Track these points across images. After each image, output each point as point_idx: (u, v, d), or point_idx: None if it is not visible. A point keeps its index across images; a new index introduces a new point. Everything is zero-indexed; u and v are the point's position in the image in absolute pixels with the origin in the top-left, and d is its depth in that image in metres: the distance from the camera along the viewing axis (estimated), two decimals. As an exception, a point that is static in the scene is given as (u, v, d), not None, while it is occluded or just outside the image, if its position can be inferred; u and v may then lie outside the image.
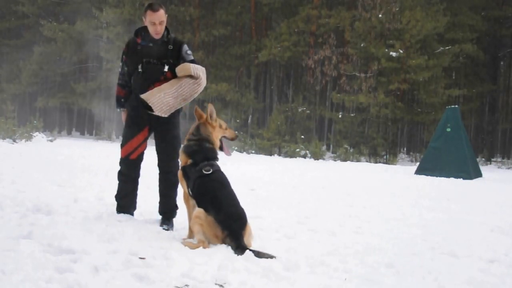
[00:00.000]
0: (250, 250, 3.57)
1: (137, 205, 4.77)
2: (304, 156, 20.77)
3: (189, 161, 4.06)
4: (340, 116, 23.93)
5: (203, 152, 4.09)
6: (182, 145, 4.21)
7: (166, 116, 4.36)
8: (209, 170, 3.99)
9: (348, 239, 4.68)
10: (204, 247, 3.62)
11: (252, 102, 26.64)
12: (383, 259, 3.95)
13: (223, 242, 3.70)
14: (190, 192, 4.04)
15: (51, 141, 19.33)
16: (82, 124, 38.39)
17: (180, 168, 4.17)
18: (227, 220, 3.74)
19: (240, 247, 3.60)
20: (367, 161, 21.52)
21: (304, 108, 24.88)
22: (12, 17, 35.49)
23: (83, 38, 31.29)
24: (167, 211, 4.62)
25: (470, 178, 13.45)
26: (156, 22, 4.34)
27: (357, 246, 4.37)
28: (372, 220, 5.91)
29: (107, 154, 14.33)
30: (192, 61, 4.46)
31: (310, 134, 24.70)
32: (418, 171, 14.28)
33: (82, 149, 16.40)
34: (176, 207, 4.66)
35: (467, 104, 27.75)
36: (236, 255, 3.52)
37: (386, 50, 22.27)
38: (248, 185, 8.33)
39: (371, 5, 22.64)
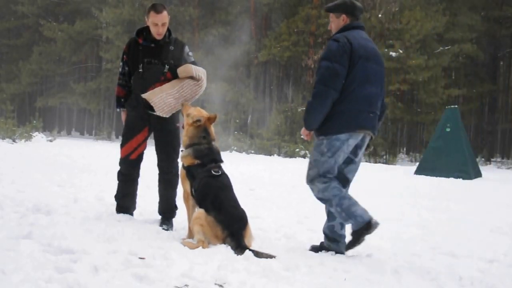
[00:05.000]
0: (250, 250, 3.58)
1: (137, 205, 4.77)
2: (304, 156, 20.77)
3: (197, 162, 4.06)
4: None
5: (213, 154, 4.11)
6: (190, 148, 4.17)
7: (167, 116, 4.37)
8: (218, 172, 4.01)
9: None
10: (203, 247, 3.62)
11: (252, 102, 26.65)
12: (382, 259, 3.95)
13: (224, 242, 3.70)
14: (193, 192, 4.04)
15: (50, 141, 19.33)
16: (82, 124, 38.41)
17: (183, 167, 4.18)
18: (228, 221, 3.75)
19: (240, 247, 3.60)
20: (366, 161, 21.50)
21: (304, 108, 24.86)
22: (12, 17, 35.49)
23: (82, 38, 31.32)
24: (167, 211, 4.62)
25: (470, 178, 13.45)
26: (159, 23, 4.35)
27: (357, 246, 4.36)
28: (372, 220, 5.90)
29: (107, 154, 14.33)
30: (193, 63, 4.48)
31: (310, 134, 24.66)
32: (418, 171, 14.29)
33: (82, 149, 16.40)
34: (175, 207, 4.67)
35: (467, 104, 27.76)
36: (236, 255, 3.52)
37: (386, 50, 22.27)
38: (248, 185, 8.33)
39: (371, 5, 22.64)
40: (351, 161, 4.03)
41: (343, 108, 3.81)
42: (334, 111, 3.83)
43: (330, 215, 4.08)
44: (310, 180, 3.95)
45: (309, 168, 3.99)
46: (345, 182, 4.04)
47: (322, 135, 3.91)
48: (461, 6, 25.80)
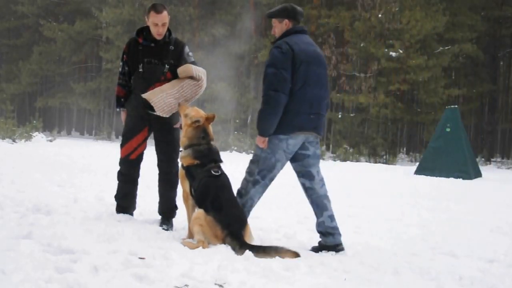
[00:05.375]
0: (252, 246, 3.58)
1: (137, 205, 4.77)
2: (304, 156, 20.73)
3: (196, 162, 4.06)
4: (339, 116, 23.93)
5: (212, 154, 4.12)
6: (189, 149, 4.17)
7: (167, 116, 4.37)
8: (217, 172, 4.02)
9: (347, 239, 4.67)
10: (203, 247, 3.62)
11: (252, 102, 26.62)
12: (382, 259, 3.95)
13: (224, 242, 3.70)
14: (193, 192, 4.05)
15: (50, 141, 19.33)
16: (82, 124, 38.40)
17: (182, 167, 4.17)
18: (227, 220, 3.75)
19: (243, 246, 3.60)
20: (366, 161, 21.51)
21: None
22: (12, 17, 35.48)
23: (82, 38, 31.32)
24: (167, 211, 4.62)
25: (470, 178, 13.45)
26: (159, 23, 4.36)
27: (357, 246, 4.37)
28: (372, 220, 5.91)
29: (107, 154, 14.33)
30: (193, 63, 4.48)
31: (310, 134, 24.64)
32: (418, 171, 14.29)
33: (82, 149, 16.40)
34: (175, 207, 4.67)
35: (467, 104, 27.74)
36: (236, 255, 3.52)
37: (386, 50, 22.26)
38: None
39: (371, 5, 22.62)
40: (304, 156, 4.19)
41: (284, 110, 3.97)
42: None
43: (317, 213, 4.20)
44: (248, 172, 4.20)
45: (251, 161, 4.21)
46: (309, 177, 4.22)
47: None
48: (461, 6, 25.77)
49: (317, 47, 4.20)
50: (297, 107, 3.98)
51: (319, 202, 4.18)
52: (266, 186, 4.19)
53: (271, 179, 4.17)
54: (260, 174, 4.10)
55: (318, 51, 4.17)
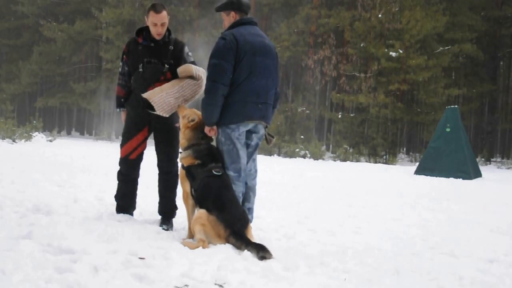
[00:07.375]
0: (254, 244, 3.59)
1: (137, 205, 4.77)
2: (304, 156, 20.76)
3: (197, 162, 4.07)
4: (339, 116, 23.92)
5: (213, 154, 4.14)
6: (190, 149, 4.17)
7: (167, 115, 4.37)
8: (219, 172, 4.02)
9: (347, 239, 4.68)
10: (203, 247, 3.62)
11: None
12: (382, 259, 3.95)
13: (227, 241, 3.70)
14: (193, 192, 4.05)
15: (50, 141, 19.33)
16: (82, 124, 38.39)
17: (182, 167, 4.18)
18: (230, 219, 3.76)
19: (245, 243, 3.61)
20: (366, 161, 21.51)
21: (304, 108, 24.87)
22: (12, 17, 35.50)
23: (82, 38, 31.32)
24: (167, 211, 4.62)
25: (470, 178, 13.45)
26: (158, 23, 4.37)
27: (357, 246, 4.37)
28: (372, 220, 5.91)
29: (106, 154, 14.34)
30: (192, 63, 4.50)
31: (310, 134, 24.68)
32: (418, 171, 14.29)
33: (82, 149, 16.40)
34: (175, 207, 4.67)
35: (467, 104, 27.74)
36: (240, 251, 3.52)
37: (386, 50, 22.26)
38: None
39: (371, 5, 22.63)
40: (247, 146, 4.26)
41: (232, 100, 4.05)
42: (225, 104, 4.06)
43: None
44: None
45: None
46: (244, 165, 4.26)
47: (217, 126, 4.15)
48: (461, 6, 25.77)
49: (265, 38, 4.26)
50: (244, 97, 4.05)
51: (245, 192, 4.26)
52: (243, 179, 4.18)
53: (244, 170, 4.17)
54: (231, 168, 4.11)
55: (266, 42, 4.23)
